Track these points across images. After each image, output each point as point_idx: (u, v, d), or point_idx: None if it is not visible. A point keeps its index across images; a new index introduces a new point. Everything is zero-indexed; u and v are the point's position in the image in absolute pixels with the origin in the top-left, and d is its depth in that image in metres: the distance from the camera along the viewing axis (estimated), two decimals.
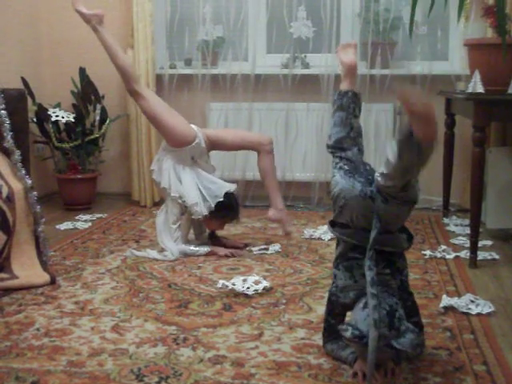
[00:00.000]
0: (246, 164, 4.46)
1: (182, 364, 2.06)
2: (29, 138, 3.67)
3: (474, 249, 3.14)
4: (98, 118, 4.45)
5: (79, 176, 4.43)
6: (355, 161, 2.08)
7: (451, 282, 2.88)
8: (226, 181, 3.43)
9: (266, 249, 3.39)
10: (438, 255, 3.26)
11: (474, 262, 3.13)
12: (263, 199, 4.52)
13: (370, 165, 2.14)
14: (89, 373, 2.00)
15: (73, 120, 4.34)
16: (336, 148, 2.13)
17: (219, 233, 3.54)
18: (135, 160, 4.56)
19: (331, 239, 3.57)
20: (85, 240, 3.62)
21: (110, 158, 4.75)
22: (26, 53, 4.51)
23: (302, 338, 2.26)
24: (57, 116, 4.29)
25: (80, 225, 3.96)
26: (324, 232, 3.68)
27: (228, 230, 3.63)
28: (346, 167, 2.05)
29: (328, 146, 2.17)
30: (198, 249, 3.31)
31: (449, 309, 2.51)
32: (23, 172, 3.00)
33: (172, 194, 3.26)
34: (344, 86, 2.19)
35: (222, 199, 3.28)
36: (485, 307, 2.52)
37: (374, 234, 1.93)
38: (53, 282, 2.84)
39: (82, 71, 4.47)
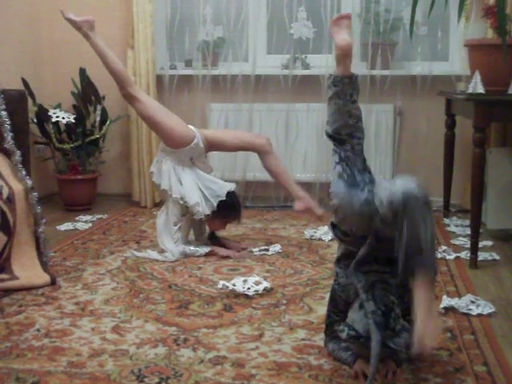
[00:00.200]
0: (246, 165, 4.46)
1: (183, 365, 2.06)
2: (29, 139, 3.66)
3: (474, 249, 3.14)
4: (98, 118, 4.45)
5: (79, 177, 4.43)
6: (354, 159, 2.01)
7: (452, 282, 2.88)
8: (225, 181, 3.44)
9: (267, 249, 3.39)
10: (439, 256, 3.26)
11: (474, 263, 3.12)
12: (264, 200, 4.55)
13: (370, 171, 2.04)
14: (89, 373, 2.00)
15: (73, 121, 4.34)
16: (335, 139, 2.05)
17: (219, 233, 3.54)
18: (136, 161, 4.56)
19: (332, 240, 3.57)
20: (85, 241, 3.62)
21: (111, 158, 4.75)
22: (27, 53, 4.51)
23: (303, 339, 2.26)
24: (57, 117, 4.29)
25: (80, 225, 3.96)
26: (324, 233, 3.68)
27: (228, 231, 3.63)
28: (345, 175, 1.98)
29: (327, 134, 2.08)
30: (198, 249, 3.31)
31: (449, 309, 2.51)
32: (24, 173, 3.00)
33: (173, 196, 3.26)
34: (339, 70, 2.04)
35: (224, 198, 3.28)
36: (485, 308, 2.52)
37: (365, 251, 1.95)
38: (53, 282, 2.84)
39: (83, 72, 4.48)
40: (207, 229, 3.53)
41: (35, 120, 4.32)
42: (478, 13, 3.84)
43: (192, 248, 3.31)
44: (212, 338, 2.27)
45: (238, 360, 2.09)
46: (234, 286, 2.72)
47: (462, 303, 2.54)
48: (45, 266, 2.94)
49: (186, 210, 3.31)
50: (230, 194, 3.31)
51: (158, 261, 3.22)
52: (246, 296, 2.67)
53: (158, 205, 4.42)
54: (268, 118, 4.46)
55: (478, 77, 3.26)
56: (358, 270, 1.97)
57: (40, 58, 4.68)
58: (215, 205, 3.27)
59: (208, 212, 3.27)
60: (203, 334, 2.30)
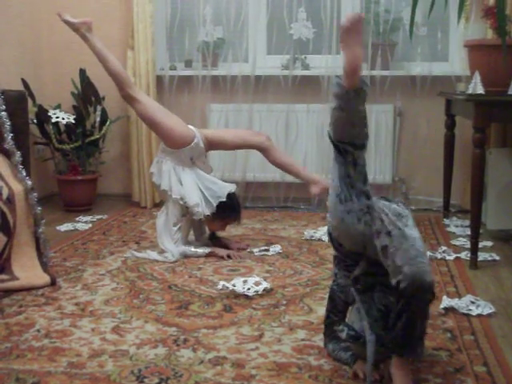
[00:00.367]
0: (246, 165, 4.46)
1: (183, 365, 2.05)
2: (29, 140, 3.67)
3: (474, 250, 3.14)
4: (98, 119, 4.45)
5: (79, 177, 4.43)
6: (355, 177, 1.89)
7: (451, 283, 2.88)
8: (225, 181, 3.44)
9: (267, 250, 3.39)
10: (439, 256, 3.26)
11: (474, 263, 3.12)
12: (263, 200, 4.55)
13: (369, 194, 1.92)
14: (89, 374, 2.00)
15: (73, 121, 4.34)
16: (337, 147, 1.91)
17: (220, 234, 3.54)
18: (135, 161, 4.56)
19: None
20: (85, 241, 3.62)
21: (111, 159, 4.75)
22: (27, 54, 4.51)
23: (303, 339, 2.26)
24: (57, 117, 4.29)
25: (80, 226, 3.96)
26: (324, 233, 3.68)
27: (228, 232, 3.63)
28: (342, 196, 1.89)
29: (329, 137, 1.94)
30: (198, 250, 3.31)
31: (449, 310, 2.51)
32: (23, 173, 3.00)
33: (173, 196, 3.26)
34: (346, 83, 1.84)
35: (224, 199, 3.28)
36: (485, 308, 2.52)
37: (358, 272, 1.96)
38: (53, 283, 2.84)
39: (83, 72, 4.48)
40: (207, 229, 3.53)
41: (35, 120, 4.32)
42: (478, 13, 3.84)
43: (192, 249, 3.31)
44: (212, 338, 2.27)
45: (238, 360, 2.09)
46: (234, 286, 2.72)
47: (461, 304, 2.54)
48: (45, 266, 2.94)
49: (185, 211, 3.31)
50: (230, 195, 3.31)
51: (157, 261, 3.22)
52: (246, 296, 2.67)
53: (157, 205, 4.42)
54: (268, 118, 4.46)
55: (477, 77, 3.26)
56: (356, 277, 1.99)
57: (40, 58, 4.68)
58: (215, 205, 3.27)
59: (208, 212, 3.27)
60: (203, 335, 2.30)
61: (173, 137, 3.31)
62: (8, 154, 3.01)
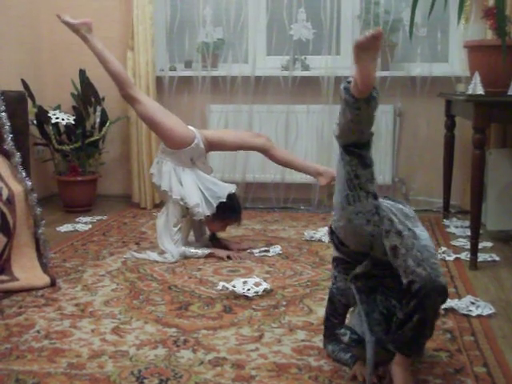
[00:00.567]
0: (246, 166, 4.46)
1: (183, 366, 2.05)
2: (29, 140, 3.67)
3: (474, 250, 3.14)
4: (98, 120, 4.45)
5: (79, 178, 4.43)
6: (362, 178, 1.86)
7: (451, 283, 2.88)
8: (225, 182, 3.44)
9: (267, 251, 3.38)
10: (439, 257, 3.26)
11: (474, 264, 3.12)
12: (263, 201, 4.55)
13: (375, 194, 1.89)
14: (89, 375, 2.00)
15: (73, 122, 4.34)
16: (343, 147, 1.87)
17: (220, 235, 3.54)
18: (135, 162, 4.56)
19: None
20: (85, 242, 3.62)
21: (111, 160, 4.75)
22: (27, 55, 4.51)
23: (303, 340, 2.26)
24: (57, 118, 4.29)
25: (80, 227, 3.96)
26: (324, 234, 3.68)
27: (228, 232, 3.63)
28: (351, 200, 1.86)
29: (335, 136, 1.89)
30: (198, 251, 3.31)
31: (449, 310, 2.51)
32: (23, 174, 3.00)
33: (173, 197, 3.26)
34: (355, 92, 1.76)
35: (224, 200, 3.28)
36: (485, 309, 2.52)
37: (361, 270, 1.95)
38: (53, 284, 2.84)
39: (82, 73, 4.48)
40: (207, 230, 3.53)
41: (35, 121, 4.32)
42: (478, 14, 3.84)
43: (192, 250, 3.31)
44: (212, 339, 2.27)
45: (238, 361, 2.09)
46: (234, 287, 2.72)
47: (461, 304, 2.54)
48: (45, 267, 2.94)
49: (186, 211, 3.31)
50: (230, 196, 3.32)
51: (157, 262, 3.22)
52: (246, 297, 2.67)
53: (157, 206, 4.42)
54: (268, 119, 4.46)
55: (477, 78, 3.26)
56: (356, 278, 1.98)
57: (40, 59, 4.68)
58: (215, 206, 3.27)
59: (208, 213, 3.27)
60: (203, 336, 2.29)
61: (173, 137, 3.31)
62: (8, 155, 3.01)
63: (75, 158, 4.44)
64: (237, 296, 2.68)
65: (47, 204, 4.40)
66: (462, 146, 4.15)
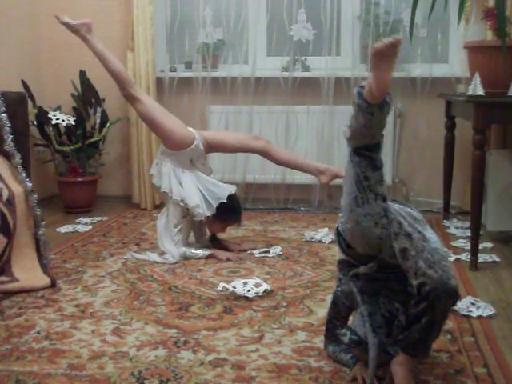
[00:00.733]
0: (246, 166, 4.46)
1: (183, 367, 2.05)
2: (29, 141, 3.67)
3: (474, 251, 3.14)
4: (98, 120, 4.46)
5: (80, 179, 4.43)
6: (372, 180, 1.85)
7: None
8: (225, 183, 3.44)
9: (267, 251, 3.38)
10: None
11: (474, 265, 3.12)
12: (264, 202, 4.55)
13: (384, 196, 1.87)
14: (89, 376, 2.00)
15: (73, 123, 4.35)
16: (353, 148, 1.87)
17: (220, 236, 3.54)
18: (136, 163, 4.56)
19: (332, 242, 3.57)
20: (85, 243, 3.62)
21: (111, 160, 4.75)
22: (27, 56, 4.51)
23: (303, 341, 2.25)
24: (57, 119, 4.30)
25: (80, 228, 3.96)
26: (325, 235, 3.68)
27: (229, 233, 3.63)
28: (360, 202, 1.84)
29: (346, 139, 1.87)
30: (198, 252, 3.31)
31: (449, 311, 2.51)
32: (23, 175, 3.00)
33: (173, 198, 3.26)
34: (369, 97, 1.75)
35: (224, 200, 3.28)
36: (485, 310, 2.52)
37: (365, 271, 1.95)
38: (53, 284, 2.84)
39: (83, 74, 4.48)
40: (207, 231, 3.53)
41: (35, 122, 4.32)
42: (478, 15, 3.84)
43: (193, 251, 3.31)
44: (212, 340, 2.27)
45: (238, 362, 2.09)
46: (234, 288, 2.72)
47: (462, 305, 2.54)
48: (45, 268, 2.94)
49: (186, 212, 3.31)
50: (230, 197, 3.32)
51: (158, 263, 3.22)
52: (246, 298, 2.67)
53: (158, 207, 4.42)
54: (268, 120, 4.46)
55: (477, 79, 3.26)
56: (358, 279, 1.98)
57: (40, 60, 4.68)
58: (215, 207, 3.27)
59: (208, 214, 3.27)
60: (203, 336, 2.29)
61: (173, 138, 3.31)
62: (8, 156, 3.01)
63: (75, 158, 4.44)
64: (237, 297, 2.68)
65: (47, 205, 4.41)
66: (462, 146, 4.15)
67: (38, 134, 4.40)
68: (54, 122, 4.29)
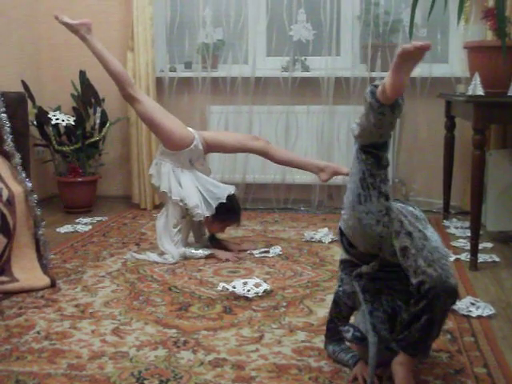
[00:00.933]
0: (246, 167, 4.46)
1: (183, 367, 2.05)
2: (29, 141, 3.67)
3: (474, 251, 3.14)
4: (98, 121, 4.45)
5: (79, 179, 4.43)
6: (377, 179, 1.85)
7: None
8: (225, 183, 3.44)
9: (267, 251, 3.38)
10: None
11: (474, 265, 3.12)
12: (263, 202, 4.55)
13: (388, 195, 1.88)
14: (89, 376, 2.00)
15: (73, 123, 4.35)
16: (361, 148, 1.86)
17: (219, 236, 3.54)
18: (135, 163, 4.56)
19: (331, 242, 3.57)
20: (85, 243, 3.61)
21: (111, 161, 4.75)
22: (26, 56, 4.51)
23: (303, 341, 2.26)
24: (57, 119, 4.30)
25: (80, 228, 3.96)
26: (324, 235, 3.68)
27: (228, 233, 3.63)
28: (362, 199, 1.85)
29: (354, 135, 1.87)
30: (198, 252, 3.31)
31: (449, 311, 2.50)
32: (23, 175, 3.00)
33: (173, 198, 3.26)
34: (382, 98, 1.75)
35: (223, 201, 3.28)
36: (485, 310, 2.52)
37: (367, 270, 1.95)
38: (53, 285, 2.84)
39: (82, 74, 4.48)
40: (206, 231, 3.53)
41: (35, 122, 4.32)
42: (478, 15, 3.84)
43: (192, 251, 3.31)
44: (212, 340, 2.27)
45: (238, 362, 2.09)
46: (234, 288, 2.72)
47: (462, 305, 2.54)
48: (45, 268, 2.94)
49: (185, 212, 3.31)
50: (229, 197, 3.31)
51: (157, 263, 3.22)
52: (246, 298, 2.67)
53: (157, 207, 4.42)
54: (268, 120, 4.46)
55: (477, 79, 3.26)
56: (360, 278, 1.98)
57: (40, 60, 4.68)
58: (214, 207, 3.27)
59: (207, 214, 3.27)
60: (203, 336, 2.29)
61: (172, 138, 3.31)
62: (8, 156, 3.01)
63: (75, 158, 4.44)
64: (237, 297, 2.68)
65: (47, 205, 4.41)
66: (462, 146, 4.15)
67: (37, 134, 4.40)
68: (53, 122, 4.29)
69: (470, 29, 4.05)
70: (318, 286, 2.87)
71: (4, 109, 3.03)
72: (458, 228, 3.90)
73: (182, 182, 3.29)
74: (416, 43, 1.70)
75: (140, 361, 2.10)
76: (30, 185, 2.98)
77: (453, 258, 3.25)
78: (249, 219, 4.12)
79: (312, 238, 3.68)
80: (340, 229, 2.01)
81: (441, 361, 2.10)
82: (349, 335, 1.88)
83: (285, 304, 2.62)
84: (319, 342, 2.21)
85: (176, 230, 3.29)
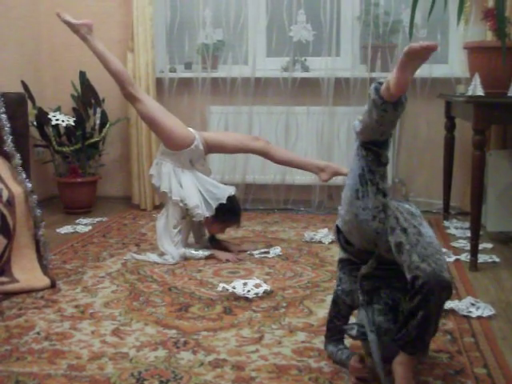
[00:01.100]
0: (246, 167, 4.46)
1: (183, 367, 2.05)
2: (29, 142, 3.66)
3: (474, 252, 3.14)
4: (98, 121, 4.46)
5: (79, 180, 4.43)
6: (377, 175, 1.89)
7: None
8: (225, 184, 3.44)
9: (267, 252, 3.38)
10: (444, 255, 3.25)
11: (474, 265, 3.12)
12: (263, 202, 4.55)
13: (385, 192, 1.90)
14: (89, 376, 2.00)
15: (73, 124, 4.35)
16: (362, 145, 1.89)
17: (219, 236, 3.54)
18: (135, 163, 4.56)
19: (331, 242, 3.57)
20: (85, 244, 3.61)
21: (111, 161, 4.75)
22: (26, 56, 4.51)
23: (303, 342, 2.26)
24: (57, 120, 4.30)
25: (80, 228, 3.96)
26: (324, 235, 3.68)
27: (228, 234, 3.63)
28: (360, 194, 1.88)
29: (355, 131, 1.91)
30: (198, 252, 3.31)
31: (449, 312, 2.51)
32: (23, 176, 3.00)
33: (173, 198, 3.26)
34: (385, 95, 1.78)
35: (224, 201, 3.28)
36: (485, 310, 2.52)
37: (366, 271, 1.96)
38: (53, 285, 2.84)
39: (82, 75, 4.48)
40: (206, 232, 3.53)
41: (35, 123, 4.32)
42: (478, 15, 3.84)
43: (192, 251, 3.31)
44: (212, 340, 2.27)
45: (238, 363, 2.09)
46: (234, 288, 2.72)
47: (462, 305, 2.54)
48: (45, 268, 2.94)
49: (185, 213, 3.31)
50: (229, 198, 3.31)
51: (157, 263, 3.22)
52: (246, 299, 2.67)
53: (157, 207, 4.42)
54: (268, 120, 4.46)
55: (477, 79, 3.26)
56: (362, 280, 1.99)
57: (40, 60, 4.68)
58: (214, 207, 3.27)
59: (207, 214, 3.27)
60: (203, 337, 2.29)
61: (173, 138, 3.31)
62: (8, 157, 3.01)
63: (75, 159, 4.44)
64: (237, 297, 2.68)
65: (47, 205, 4.40)
66: (462, 147, 4.15)
67: (37, 135, 4.40)
68: (53, 122, 4.29)
69: (470, 29, 4.05)
70: (317, 286, 2.87)
71: (4, 109, 3.03)
72: (458, 228, 3.90)
73: (182, 182, 3.29)
74: (423, 43, 1.72)
75: (140, 361, 2.10)
76: (29, 185, 2.98)
77: (453, 258, 3.26)
78: (249, 220, 4.12)
79: (312, 238, 3.68)
80: (337, 227, 2.03)
81: (441, 361, 2.10)
82: (354, 332, 1.90)
83: (285, 305, 2.62)
84: (319, 342, 2.21)
85: (176, 230, 3.29)
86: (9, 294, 2.73)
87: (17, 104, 3.34)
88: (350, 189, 1.91)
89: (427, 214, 4.27)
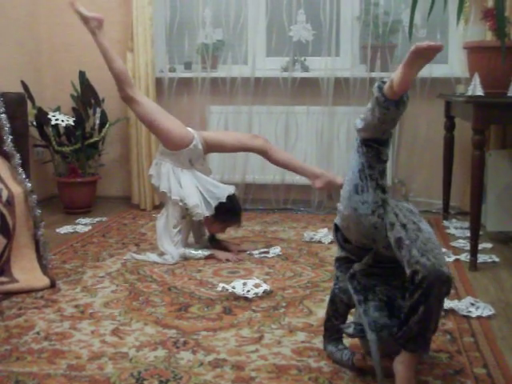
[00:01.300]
0: (245, 167, 4.46)
1: (182, 367, 2.05)
2: (29, 142, 3.66)
3: (474, 251, 3.14)
4: (97, 121, 4.45)
5: (79, 179, 4.43)
6: (376, 171, 1.92)
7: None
8: (225, 183, 3.44)
9: (267, 252, 3.38)
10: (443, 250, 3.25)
11: (474, 265, 3.12)
12: (263, 202, 4.55)
13: (385, 188, 1.94)
14: (89, 376, 2.00)
15: (73, 123, 4.34)
16: (363, 142, 1.92)
17: (219, 236, 3.54)
18: (135, 163, 4.56)
19: (331, 242, 3.57)
20: (85, 243, 3.61)
21: (110, 161, 4.75)
22: (26, 56, 4.51)
23: (303, 342, 2.26)
24: (56, 120, 4.29)
25: (80, 228, 3.96)
26: (324, 235, 3.68)
27: (228, 234, 3.63)
28: (359, 189, 1.90)
29: (356, 129, 1.94)
30: (198, 252, 3.31)
31: (449, 311, 2.51)
32: (23, 176, 3.00)
33: (173, 198, 3.26)
34: (388, 92, 1.85)
35: (223, 200, 3.28)
36: (485, 310, 2.52)
37: (360, 267, 1.96)
38: (53, 285, 2.84)
39: (82, 75, 4.48)
40: (206, 231, 3.53)
41: (35, 123, 4.32)
42: (477, 15, 3.84)
43: (192, 251, 3.31)
44: (212, 340, 2.27)
45: (238, 363, 2.09)
46: (234, 288, 2.72)
47: (461, 305, 2.54)
48: (44, 268, 2.94)
49: (185, 213, 3.31)
50: (229, 198, 3.31)
51: (157, 263, 3.22)
52: (246, 299, 2.67)
53: (157, 207, 4.42)
54: (267, 120, 4.46)
55: (477, 79, 3.26)
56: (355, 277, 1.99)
57: (40, 60, 4.68)
58: (214, 207, 3.27)
59: (207, 214, 3.27)
60: (203, 337, 2.29)
61: (172, 138, 3.31)
62: (8, 157, 3.01)
63: (75, 159, 4.44)
64: (237, 297, 2.68)
65: (47, 205, 4.41)
66: (462, 147, 4.14)
67: (37, 135, 4.40)
68: (53, 122, 4.29)
69: (470, 29, 4.05)
70: (317, 286, 2.87)
71: (4, 109, 3.03)
72: (458, 228, 3.90)
73: (181, 181, 3.29)
74: (429, 43, 1.77)
75: (140, 361, 2.10)
76: (29, 185, 2.98)
77: (452, 258, 3.26)
78: (248, 219, 4.12)
79: (312, 238, 3.68)
80: (335, 225, 2.05)
81: (440, 361, 2.10)
82: (350, 330, 1.90)
83: (284, 304, 2.62)
84: (319, 342, 2.21)
85: (176, 230, 3.29)
86: (8, 294, 2.73)
87: (16, 104, 3.34)
88: (349, 184, 1.94)
89: (427, 213, 4.27)
